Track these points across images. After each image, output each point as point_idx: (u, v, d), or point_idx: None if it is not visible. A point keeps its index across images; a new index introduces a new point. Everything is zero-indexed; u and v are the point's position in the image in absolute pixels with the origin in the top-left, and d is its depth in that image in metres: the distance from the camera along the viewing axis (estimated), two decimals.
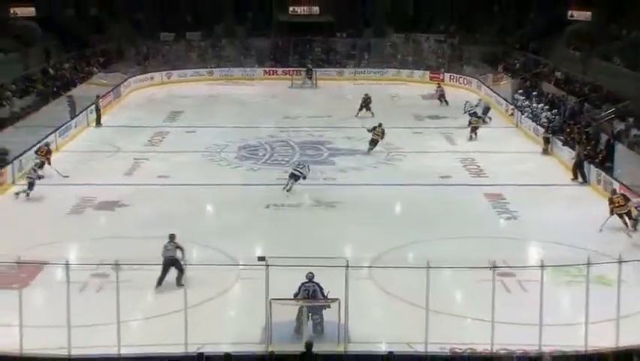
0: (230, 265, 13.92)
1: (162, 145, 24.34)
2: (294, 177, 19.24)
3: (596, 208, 17.93)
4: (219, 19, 40.29)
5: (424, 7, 39.41)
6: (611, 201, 16.60)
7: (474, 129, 24.86)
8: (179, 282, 12.89)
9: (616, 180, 18.43)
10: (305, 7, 39.97)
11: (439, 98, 31.19)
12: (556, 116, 24.89)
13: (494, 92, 31.42)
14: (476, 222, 16.96)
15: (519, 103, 27.90)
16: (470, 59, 36.98)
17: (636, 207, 16.55)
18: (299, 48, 40.11)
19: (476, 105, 27.82)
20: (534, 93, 28.14)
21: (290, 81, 36.26)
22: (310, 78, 35.37)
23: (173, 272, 13.24)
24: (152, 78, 36.24)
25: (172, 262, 13.24)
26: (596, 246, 14.38)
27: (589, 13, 32.47)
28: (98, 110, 27.08)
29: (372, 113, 27.62)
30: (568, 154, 21.49)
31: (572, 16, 33.42)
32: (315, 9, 39.93)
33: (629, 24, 29.47)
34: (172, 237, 13.61)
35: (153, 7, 39.21)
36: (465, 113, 26.69)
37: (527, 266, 13.45)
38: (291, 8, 39.98)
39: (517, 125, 26.94)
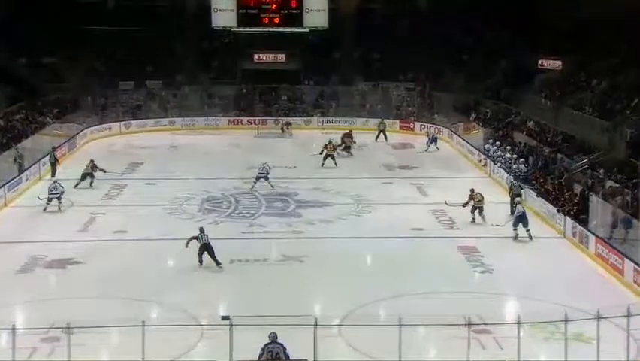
0: (192, 325, 13.78)
1: (120, 198, 24.18)
2: (258, 178, 24.73)
3: (572, 261, 18.23)
4: (181, 68, 40.60)
5: (393, 54, 40.21)
6: (470, 197, 21.20)
7: (326, 156, 28.86)
8: (217, 262, 17.23)
9: (591, 232, 18.74)
10: (270, 55, 40.49)
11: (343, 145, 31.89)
12: (527, 167, 25.33)
13: (466, 142, 31.96)
14: (450, 276, 17.04)
15: (491, 153, 28.39)
16: (441, 108, 37.69)
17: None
18: (264, 96, 40.50)
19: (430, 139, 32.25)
20: (501, 144, 28.64)
21: (256, 130, 36.48)
22: (288, 130, 36.22)
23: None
24: (109, 128, 36.21)
25: (206, 247, 17.23)
26: (573, 300, 14.51)
27: (559, 63, 33.44)
28: (53, 162, 26.80)
29: (348, 152, 30.88)
30: (542, 206, 21.84)
31: (541, 65, 34.39)
32: (281, 57, 40.42)
33: (598, 74, 30.38)
34: (202, 230, 17.58)
35: (111, 55, 39.36)
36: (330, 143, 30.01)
37: (503, 323, 13.52)
38: (256, 56, 40.42)
39: (489, 175, 27.37)
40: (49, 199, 22.37)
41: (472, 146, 30.95)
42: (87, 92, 37.95)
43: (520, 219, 19.82)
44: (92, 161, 26.05)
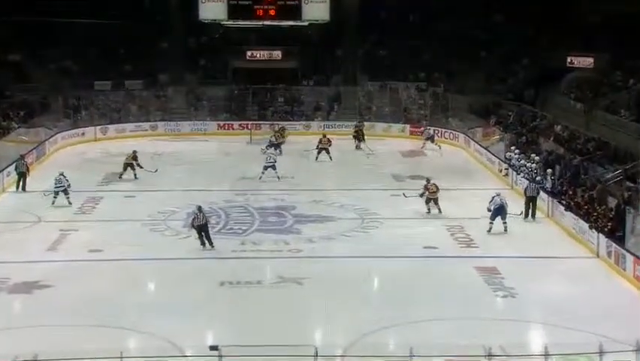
0: (176, 356, 13.71)
1: (95, 213, 24.16)
2: (266, 168, 27.51)
3: (606, 284, 18.17)
4: (165, 66, 40.65)
5: (402, 51, 40.26)
6: (425, 188, 23.41)
7: (320, 150, 31.65)
8: (210, 243, 20.05)
9: (629, 252, 18.69)
10: (265, 52, 40.57)
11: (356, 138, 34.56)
12: (553, 178, 25.29)
13: (484, 149, 31.97)
14: (467, 301, 16.97)
15: (513, 161, 28.39)
16: (456, 111, 37.70)
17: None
18: (258, 98, 40.54)
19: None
20: (525, 151, 28.61)
21: (248, 136, 36.51)
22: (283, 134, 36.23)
23: None
24: (83, 134, 36.20)
25: (202, 227, 19.89)
26: (608, 329, 14.44)
27: (590, 60, 33.42)
28: (23, 172, 26.67)
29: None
30: (571, 221, 21.82)
31: (571, 62, 34.38)
32: (277, 53, 40.51)
33: (635, 72, 30.34)
34: (200, 208, 20.08)
35: (85, 51, 39.41)
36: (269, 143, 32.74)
37: (528, 354, 13.46)
38: (249, 53, 40.51)
39: (512, 186, 27.35)
40: (56, 193, 24.24)
41: (491, 154, 30.95)
42: (58, 92, 37.95)
43: (499, 211, 21.70)
44: (134, 151, 28.81)
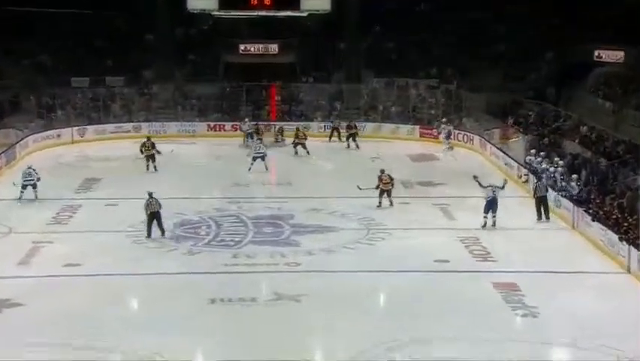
0: None
1: (72, 223, 24.16)
2: (255, 159, 29.63)
3: (638, 301, 18.15)
4: (149, 61, 40.68)
5: (410, 44, 40.28)
6: (379, 179, 25.13)
7: (296, 145, 33.70)
8: (162, 232, 21.77)
9: None
10: (260, 45, 40.66)
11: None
12: (579, 184, 25.29)
13: (503, 152, 31.99)
14: (483, 320, 16.95)
15: (534, 165, 28.41)
16: (471, 110, 37.74)
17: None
18: (253, 96, 40.59)
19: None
20: (547, 155, 28.62)
21: (241, 138, 36.56)
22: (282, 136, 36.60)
23: None
24: (58, 136, 36.29)
25: (155, 215, 21.51)
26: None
27: (621, 54, 33.43)
28: None
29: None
30: (598, 232, 21.81)
31: (599, 57, 34.40)
32: (273, 47, 40.64)
33: None
34: (151, 194, 21.70)
35: (61, 45, 39.44)
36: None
37: None
38: (242, 46, 40.62)
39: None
40: (24, 186, 25.58)
41: (510, 157, 30.97)
42: (30, 90, 38.00)
43: (490, 205, 23.05)
44: (149, 139, 31.03)
